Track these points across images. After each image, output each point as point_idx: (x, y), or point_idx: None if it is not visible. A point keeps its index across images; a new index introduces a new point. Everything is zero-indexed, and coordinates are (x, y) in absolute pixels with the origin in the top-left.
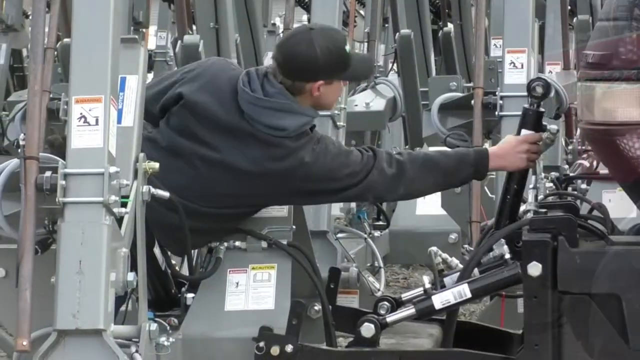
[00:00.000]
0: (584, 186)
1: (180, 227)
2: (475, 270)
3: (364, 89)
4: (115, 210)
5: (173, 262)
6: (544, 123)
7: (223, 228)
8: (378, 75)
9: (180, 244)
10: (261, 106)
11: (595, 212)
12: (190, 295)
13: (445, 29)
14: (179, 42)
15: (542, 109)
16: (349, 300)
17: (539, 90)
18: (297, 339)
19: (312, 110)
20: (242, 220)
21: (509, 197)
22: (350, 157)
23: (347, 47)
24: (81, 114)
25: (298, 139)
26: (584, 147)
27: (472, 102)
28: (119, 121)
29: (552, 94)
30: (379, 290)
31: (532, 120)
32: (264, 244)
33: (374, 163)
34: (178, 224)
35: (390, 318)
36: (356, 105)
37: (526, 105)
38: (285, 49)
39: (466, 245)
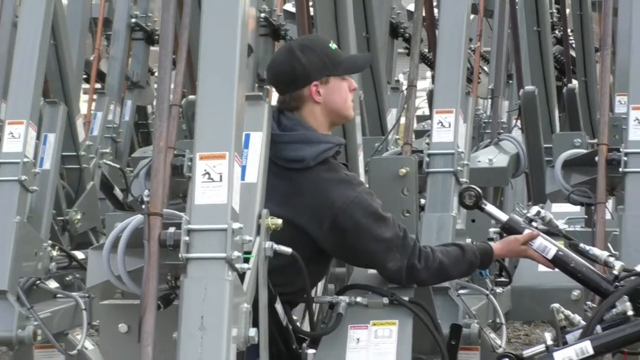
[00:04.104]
0: None
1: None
2: (598, 327)
3: (487, 145)
4: (237, 266)
5: (294, 317)
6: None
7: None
8: (502, 131)
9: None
10: (279, 142)
11: None
12: (311, 351)
13: (569, 85)
14: None
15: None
16: (470, 357)
17: (469, 200)
18: None
19: (332, 137)
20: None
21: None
22: (387, 222)
23: (333, 45)
24: (205, 170)
25: (320, 172)
26: None
27: (596, 158)
28: (243, 177)
29: None
30: (500, 346)
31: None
32: (386, 300)
33: (405, 243)
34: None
35: None
36: (479, 162)
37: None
38: (271, 67)
39: (589, 302)
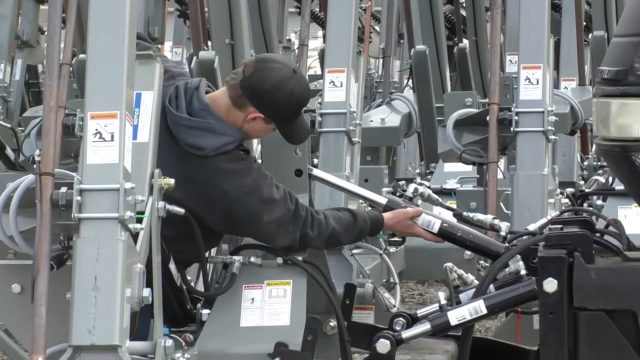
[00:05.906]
0: (599, 202)
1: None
2: (491, 287)
3: (379, 105)
4: (130, 226)
5: (188, 277)
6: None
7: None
8: (393, 91)
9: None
10: (182, 125)
11: (611, 228)
12: (205, 311)
13: (460, 44)
14: (195, 58)
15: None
16: (364, 316)
17: None
18: (313, 355)
19: (236, 131)
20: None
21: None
22: (278, 203)
23: (304, 108)
24: (96, 129)
25: (218, 161)
26: (599, 163)
27: (488, 118)
28: (134, 137)
29: (568, 109)
30: (394, 306)
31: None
32: (280, 260)
33: (297, 214)
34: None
35: (405, 334)
36: (371, 121)
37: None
38: (264, 64)
39: (482, 261)
